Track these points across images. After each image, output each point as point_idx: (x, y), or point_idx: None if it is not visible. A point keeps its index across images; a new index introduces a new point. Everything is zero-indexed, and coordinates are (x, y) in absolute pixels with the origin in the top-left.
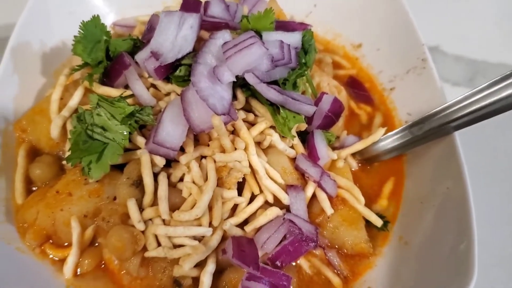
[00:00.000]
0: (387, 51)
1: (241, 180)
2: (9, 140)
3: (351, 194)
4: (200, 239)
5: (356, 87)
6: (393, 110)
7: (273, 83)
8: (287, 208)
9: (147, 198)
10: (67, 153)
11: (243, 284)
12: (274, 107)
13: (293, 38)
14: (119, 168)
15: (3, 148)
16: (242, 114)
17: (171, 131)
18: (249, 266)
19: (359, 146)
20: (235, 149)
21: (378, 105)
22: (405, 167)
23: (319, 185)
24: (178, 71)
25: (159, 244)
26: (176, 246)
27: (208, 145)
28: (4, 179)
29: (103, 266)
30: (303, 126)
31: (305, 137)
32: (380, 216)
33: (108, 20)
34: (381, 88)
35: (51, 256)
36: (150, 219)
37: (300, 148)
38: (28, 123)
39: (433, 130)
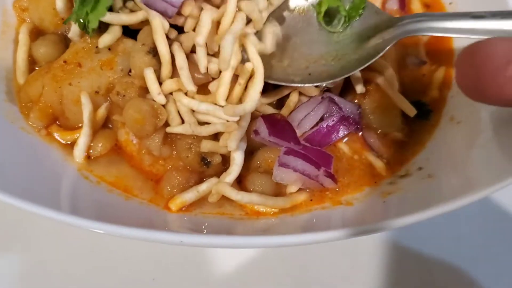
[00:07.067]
0: None
1: None
2: (7, 19)
3: (384, 78)
4: None
5: None
6: None
7: None
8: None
9: (165, 69)
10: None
11: (281, 160)
12: None
13: None
14: (132, 37)
15: (2, 27)
16: None
17: None
18: (289, 142)
19: None
20: None
21: None
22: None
23: None
24: None
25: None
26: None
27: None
28: (3, 58)
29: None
30: None
31: None
32: (422, 104)
33: None
34: None
35: (58, 138)
36: (171, 94)
37: None
38: (29, 0)
39: None
